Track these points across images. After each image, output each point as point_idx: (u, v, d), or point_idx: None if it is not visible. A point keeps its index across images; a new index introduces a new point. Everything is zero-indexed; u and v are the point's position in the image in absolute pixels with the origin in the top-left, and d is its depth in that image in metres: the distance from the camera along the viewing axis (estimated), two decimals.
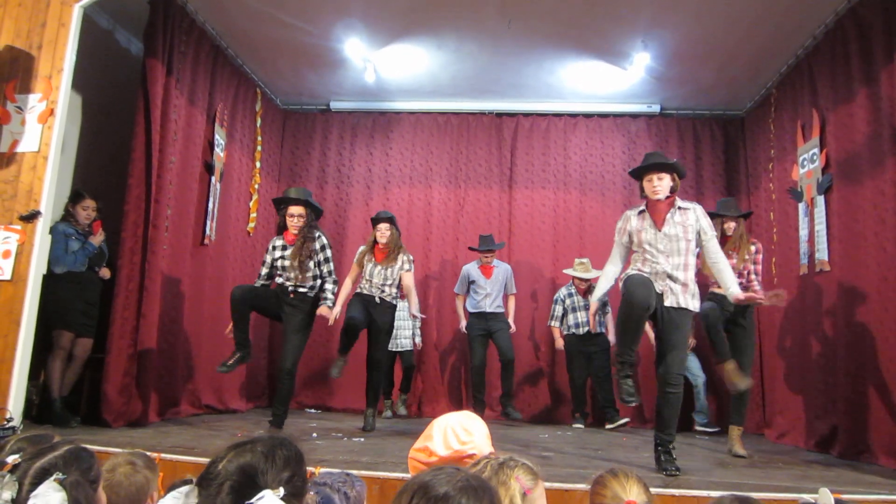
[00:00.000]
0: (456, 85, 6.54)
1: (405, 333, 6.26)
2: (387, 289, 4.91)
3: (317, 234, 4.38)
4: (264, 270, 4.47)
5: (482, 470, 1.43)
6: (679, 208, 3.64)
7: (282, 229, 4.40)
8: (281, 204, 4.44)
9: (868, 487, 3.21)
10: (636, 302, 3.47)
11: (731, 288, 3.58)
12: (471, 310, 6.05)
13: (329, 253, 4.43)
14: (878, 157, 4.17)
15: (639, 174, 3.72)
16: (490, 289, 5.99)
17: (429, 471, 1.21)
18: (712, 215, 4.38)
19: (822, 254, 4.84)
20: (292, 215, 4.30)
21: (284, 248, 4.35)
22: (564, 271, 6.32)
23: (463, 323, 6.14)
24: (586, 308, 5.90)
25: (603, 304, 5.97)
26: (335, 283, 4.45)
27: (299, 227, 4.31)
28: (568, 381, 6.16)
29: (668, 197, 3.63)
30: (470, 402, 6.15)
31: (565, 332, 6.07)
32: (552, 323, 6.17)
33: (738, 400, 4.41)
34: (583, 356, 5.95)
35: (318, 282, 4.45)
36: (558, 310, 6.13)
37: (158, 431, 4.32)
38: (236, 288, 4.38)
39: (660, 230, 3.60)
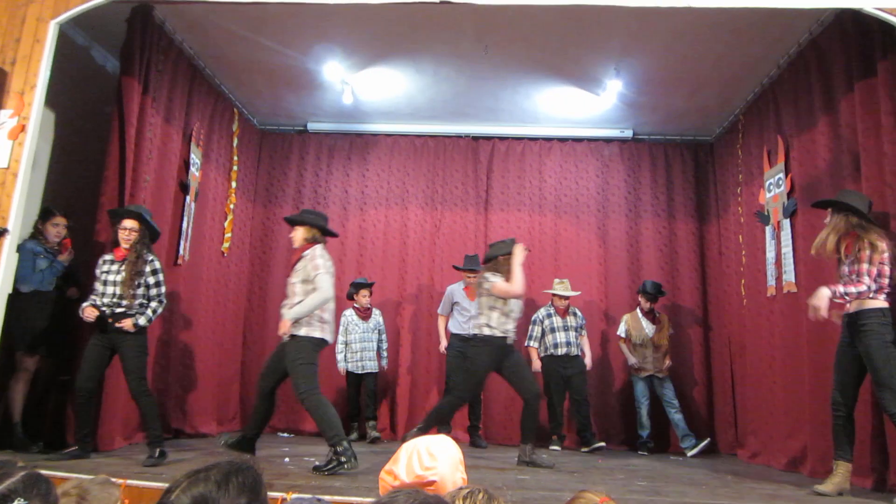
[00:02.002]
0: (433, 108, 6.61)
1: (369, 355, 6.11)
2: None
3: (150, 258, 4.16)
4: (98, 287, 4.12)
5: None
6: (302, 257, 4.17)
7: (114, 245, 4.19)
8: (115, 217, 4.22)
9: None
10: None
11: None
12: (453, 331, 6.02)
13: (161, 277, 4.19)
14: (839, 182, 4.31)
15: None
16: (474, 311, 5.89)
17: (386, 494, 1.21)
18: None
19: (788, 276, 4.96)
20: (125, 228, 4.09)
21: (112, 262, 4.13)
22: (544, 291, 6.34)
23: (443, 343, 6.10)
24: (566, 329, 5.94)
25: (579, 327, 6.07)
26: (161, 304, 4.19)
27: (131, 242, 4.09)
28: (545, 404, 6.04)
29: (301, 247, 4.19)
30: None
31: (543, 353, 6.02)
32: (530, 343, 6.09)
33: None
34: (560, 378, 5.92)
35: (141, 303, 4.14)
36: (536, 330, 6.07)
37: (125, 456, 4.20)
38: (78, 380, 4.02)
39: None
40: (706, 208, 6.84)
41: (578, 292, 6.25)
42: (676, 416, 5.89)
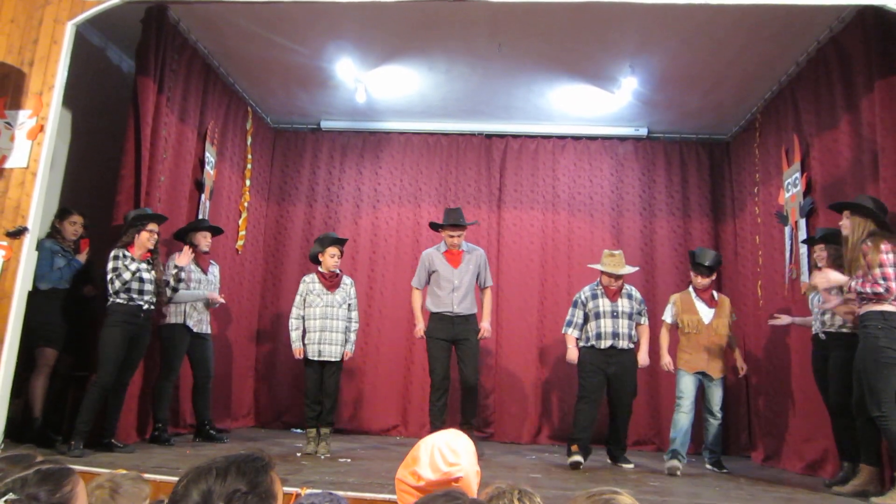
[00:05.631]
0: (446, 106, 6.60)
1: (331, 337, 4.67)
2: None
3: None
4: (120, 294, 4.21)
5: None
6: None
7: (126, 245, 4.27)
8: (142, 221, 4.32)
9: None
10: None
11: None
12: (432, 309, 4.88)
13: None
14: (861, 182, 4.24)
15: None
16: (458, 281, 4.82)
17: (426, 497, 1.20)
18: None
19: (806, 276, 4.90)
20: (152, 231, 4.32)
21: (140, 261, 4.28)
22: (589, 266, 5.18)
23: (420, 326, 4.97)
24: (614, 315, 4.74)
25: (635, 314, 4.87)
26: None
27: (153, 243, 4.37)
28: (573, 403, 4.96)
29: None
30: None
31: (583, 344, 4.82)
32: (568, 331, 4.86)
33: None
34: (601, 375, 4.71)
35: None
36: (578, 315, 4.84)
37: (142, 451, 4.26)
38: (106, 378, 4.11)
39: None
40: (722, 208, 6.77)
41: (636, 268, 5.23)
42: (714, 424, 4.82)
